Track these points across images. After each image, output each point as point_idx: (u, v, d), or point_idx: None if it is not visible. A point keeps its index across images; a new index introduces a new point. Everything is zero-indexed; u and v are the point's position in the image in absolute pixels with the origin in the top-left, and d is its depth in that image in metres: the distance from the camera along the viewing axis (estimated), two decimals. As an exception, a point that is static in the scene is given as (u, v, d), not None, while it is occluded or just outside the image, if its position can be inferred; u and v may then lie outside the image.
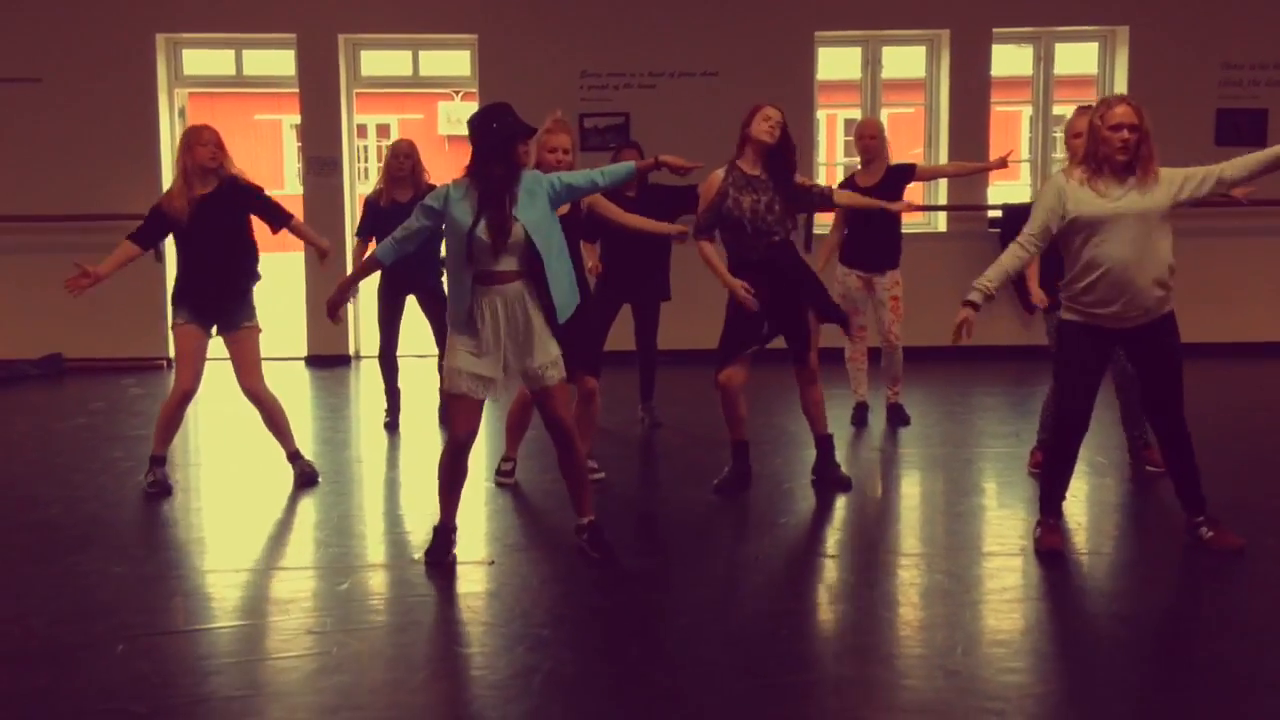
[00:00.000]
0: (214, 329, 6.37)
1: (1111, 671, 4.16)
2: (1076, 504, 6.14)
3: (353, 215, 10.58)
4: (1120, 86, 10.57)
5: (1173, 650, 4.35)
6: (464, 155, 6.15)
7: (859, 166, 7.93)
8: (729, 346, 6.13)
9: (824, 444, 6.37)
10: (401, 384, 8.14)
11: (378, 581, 5.09)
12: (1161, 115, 10.35)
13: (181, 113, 10.69)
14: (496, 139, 4.92)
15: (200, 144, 6.22)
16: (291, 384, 9.77)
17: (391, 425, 7.91)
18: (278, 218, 6.42)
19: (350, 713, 3.86)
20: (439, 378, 5.85)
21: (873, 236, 7.63)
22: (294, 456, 6.55)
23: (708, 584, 5.05)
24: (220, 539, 5.75)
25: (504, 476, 6.44)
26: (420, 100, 26.01)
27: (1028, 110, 11.79)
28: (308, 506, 6.22)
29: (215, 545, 5.66)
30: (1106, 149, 5.02)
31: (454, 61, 11.15)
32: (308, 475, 6.50)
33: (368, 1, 10.38)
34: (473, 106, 10.85)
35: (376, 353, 8.08)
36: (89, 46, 10.14)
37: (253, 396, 6.41)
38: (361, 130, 17.61)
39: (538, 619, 4.67)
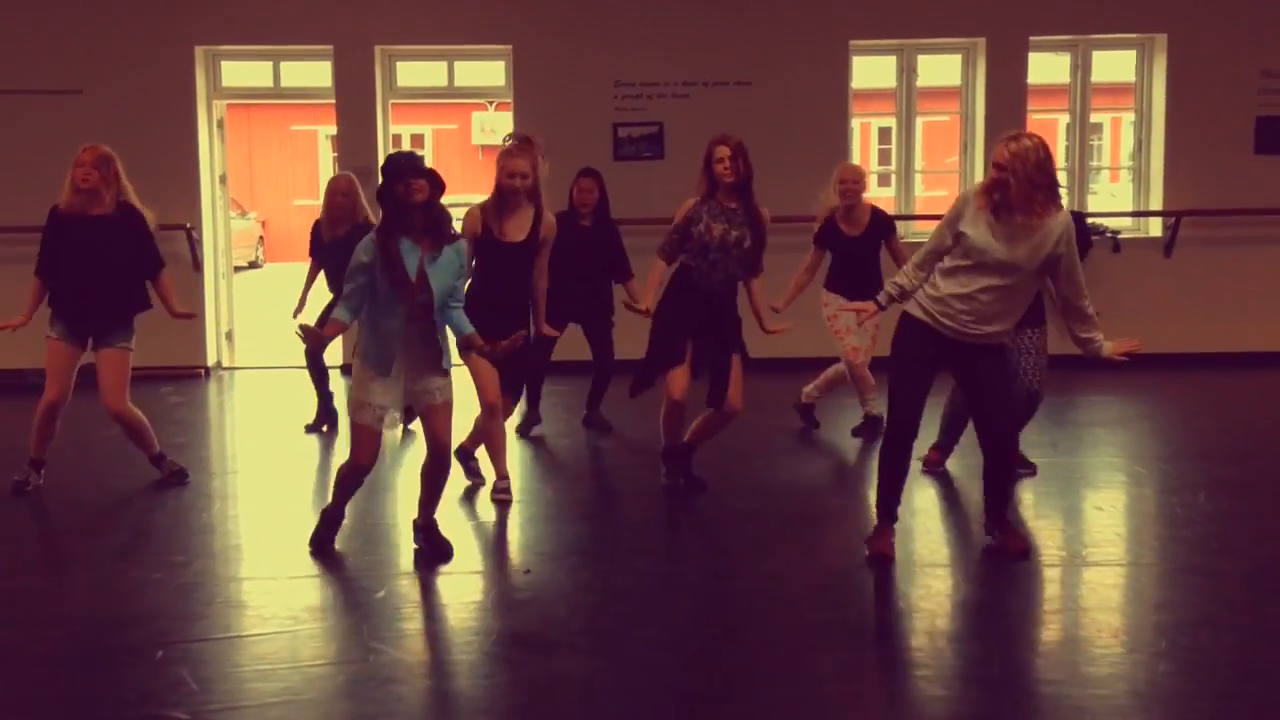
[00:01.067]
0: (89, 343, 6.52)
1: (1152, 683, 4.12)
2: (1115, 514, 6.10)
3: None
4: (1159, 94, 10.50)
5: (1213, 660, 4.30)
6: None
7: (837, 200, 7.61)
8: (653, 362, 6.24)
9: (686, 450, 6.45)
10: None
11: (413, 589, 5.11)
12: (1200, 123, 10.43)
13: (220, 124, 10.78)
14: (383, 184, 5.10)
15: (77, 164, 6.41)
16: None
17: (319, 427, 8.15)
18: (151, 265, 6.61)
19: (386, 719, 3.88)
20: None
21: (856, 269, 7.54)
22: (158, 459, 6.73)
23: (741, 592, 5.04)
24: (257, 546, 5.79)
25: (502, 494, 6.34)
26: (455, 111, 26.15)
27: (1065, 119, 11.73)
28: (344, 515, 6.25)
29: (252, 553, 5.70)
30: (988, 184, 5.04)
31: (489, 72, 11.20)
32: (176, 474, 6.71)
33: (404, 13, 10.44)
34: (507, 117, 10.88)
35: None
36: (129, 58, 10.24)
37: (114, 416, 6.54)
38: (396, 140, 17.72)
39: (573, 627, 4.67)
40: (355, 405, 5.22)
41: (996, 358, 5.29)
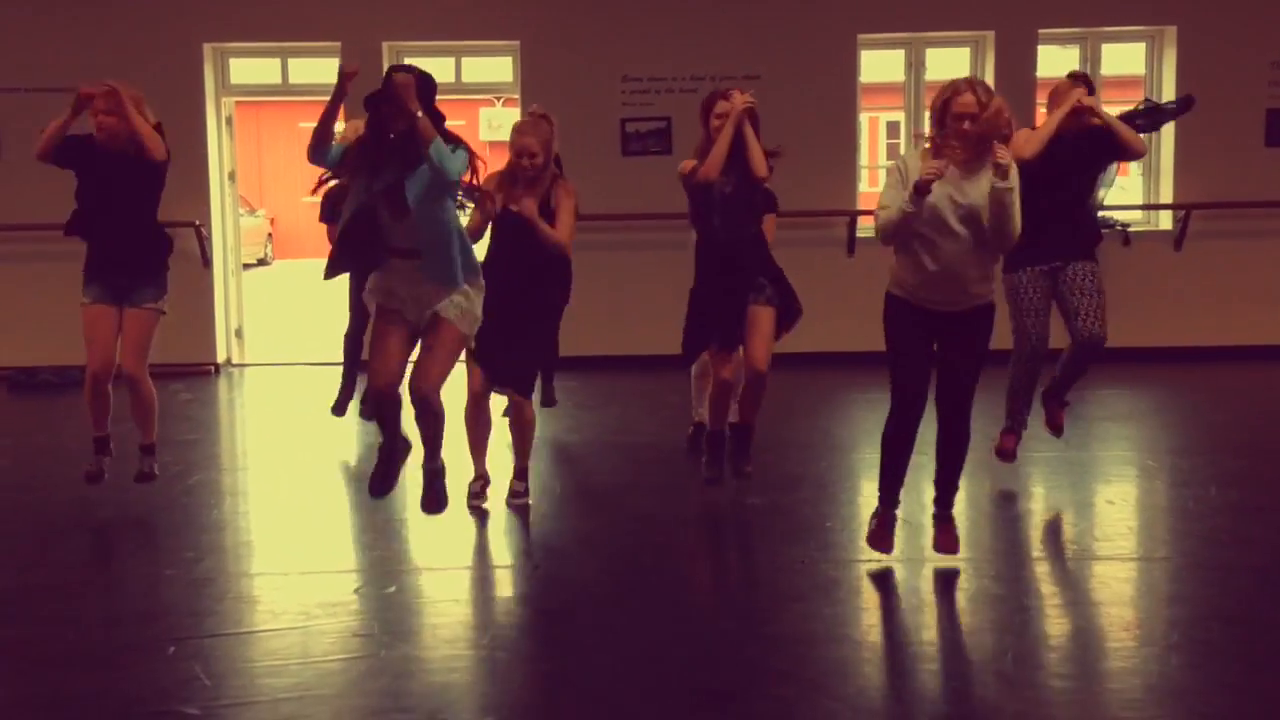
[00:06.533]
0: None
1: (1164, 677, 4.11)
2: (1126, 508, 6.08)
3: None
4: (1168, 87, 10.46)
5: (1226, 654, 4.28)
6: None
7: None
8: (692, 339, 6.14)
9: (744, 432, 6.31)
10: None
11: (424, 585, 5.11)
12: (1210, 116, 10.35)
13: (229, 121, 10.79)
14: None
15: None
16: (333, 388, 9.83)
17: (338, 410, 7.98)
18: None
19: (397, 715, 3.87)
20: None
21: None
22: (147, 449, 6.40)
23: (754, 587, 5.04)
24: (268, 542, 5.80)
25: (476, 499, 6.15)
26: (462, 106, 26.10)
27: (1074, 111, 11.66)
28: (354, 510, 6.26)
29: (263, 549, 5.71)
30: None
31: (496, 68, 11.19)
32: (146, 474, 6.35)
33: (411, 10, 10.44)
34: (514, 113, 10.88)
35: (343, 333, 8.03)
36: (137, 56, 10.22)
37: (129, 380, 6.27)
38: (405, 137, 17.79)
39: (581, 621, 4.67)
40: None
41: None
